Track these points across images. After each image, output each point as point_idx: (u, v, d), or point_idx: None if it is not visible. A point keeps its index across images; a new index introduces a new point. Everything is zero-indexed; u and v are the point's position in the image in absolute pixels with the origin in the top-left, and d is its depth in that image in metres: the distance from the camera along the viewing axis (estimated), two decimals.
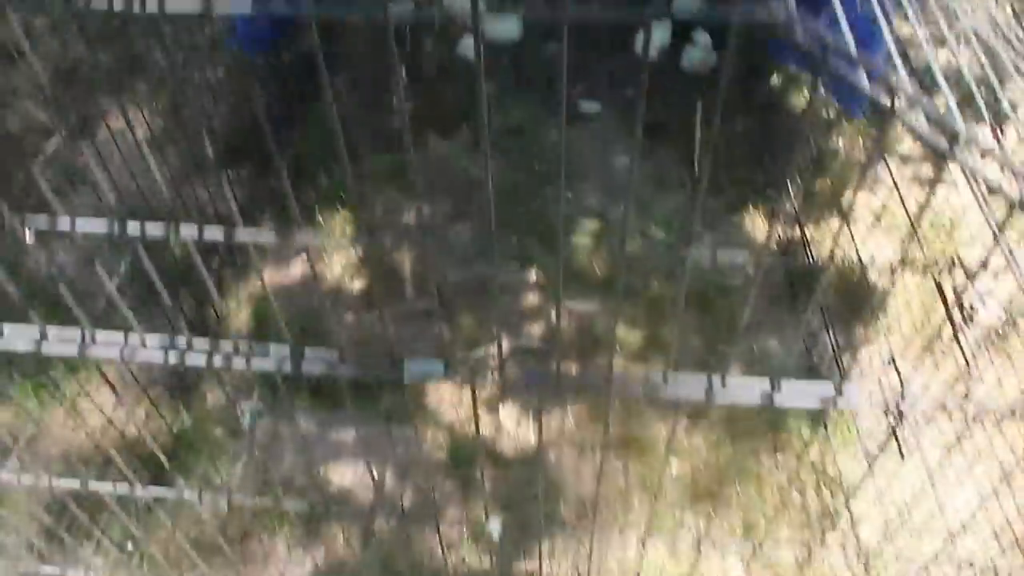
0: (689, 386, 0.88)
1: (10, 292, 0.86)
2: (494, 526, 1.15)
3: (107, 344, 0.92)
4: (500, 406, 2.49)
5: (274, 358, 0.90)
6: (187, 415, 2.42)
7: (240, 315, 2.69)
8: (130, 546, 2.05)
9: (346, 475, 2.33)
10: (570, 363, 2.57)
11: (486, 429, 2.43)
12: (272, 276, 2.81)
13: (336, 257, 2.84)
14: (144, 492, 1.24)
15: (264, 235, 0.72)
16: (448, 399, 2.50)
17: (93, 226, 0.76)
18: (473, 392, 0.88)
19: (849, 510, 2.26)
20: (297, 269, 2.79)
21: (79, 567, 1.57)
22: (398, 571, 2.15)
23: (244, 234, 0.72)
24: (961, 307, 1.67)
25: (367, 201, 3.01)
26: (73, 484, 1.24)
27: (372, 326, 2.66)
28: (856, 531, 2.23)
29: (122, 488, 1.23)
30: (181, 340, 0.91)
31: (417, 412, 2.47)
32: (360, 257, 2.82)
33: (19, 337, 0.92)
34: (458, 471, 2.35)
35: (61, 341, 0.92)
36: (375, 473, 2.30)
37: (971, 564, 2.03)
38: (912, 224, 2.11)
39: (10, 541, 1.52)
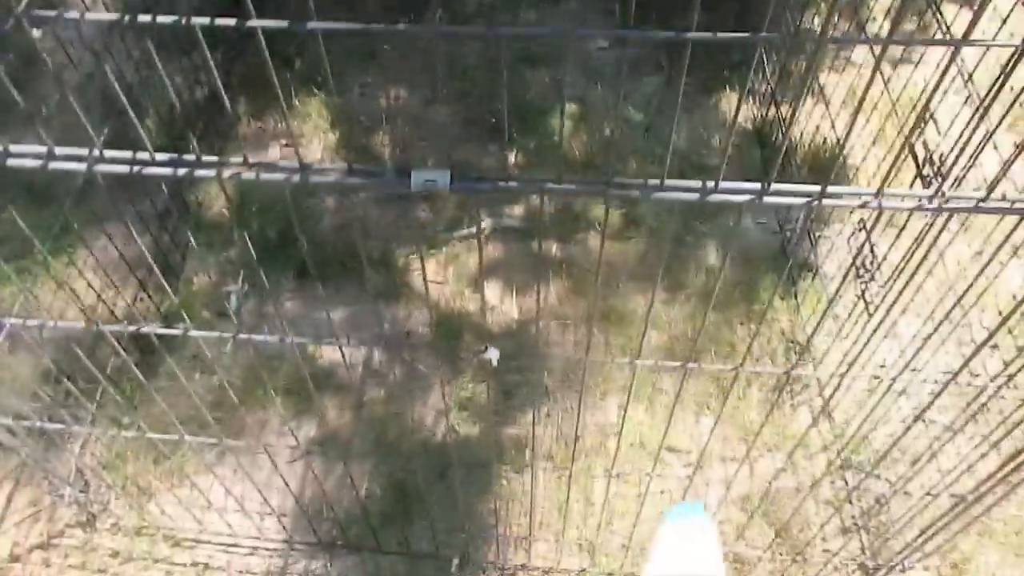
0: (685, 190, 0.92)
1: (17, 102, 0.86)
2: (492, 354, 1.21)
3: (115, 161, 0.93)
4: (484, 283, 2.55)
5: (285, 171, 0.92)
6: (174, 297, 2.44)
7: (221, 197, 2.68)
8: (127, 420, 2.10)
9: (334, 352, 2.39)
10: (551, 241, 2.62)
11: (470, 305, 2.49)
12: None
13: (316, 142, 2.82)
14: (151, 328, 1.28)
15: (272, 22, 0.73)
16: (432, 277, 2.54)
17: (101, 14, 0.76)
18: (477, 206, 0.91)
19: (815, 371, 2.38)
20: (275, 152, 2.77)
21: (84, 423, 1.62)
22: (389, 440, 2.24)
23: (254, 21, 0.73)
24: (931, 161, 1.73)
25: (344, 84, 2.97)
26: (78, 325, 1.27)
27: (351, 208, 2.68)
28: (822, 392, 2.36)
29: (129, 328, 1.26)
30: (189, 157, 0.92)
31: (403, 290, 2.51)
32: (338, 139, 2.80)
33: (26, 155, 0.92)
34: (445, 345, 2.42)
35: (68, 159, 0.93)
36: (363, 348, 2.36)
37: (930, 419, 2.17)
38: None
39: (14, 401, 1.56)
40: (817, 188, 0.91)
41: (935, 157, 1.74)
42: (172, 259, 2.48)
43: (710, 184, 0.92)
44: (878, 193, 0.91)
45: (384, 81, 3.00)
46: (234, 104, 2.88)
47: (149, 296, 2.33)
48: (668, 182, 0.93)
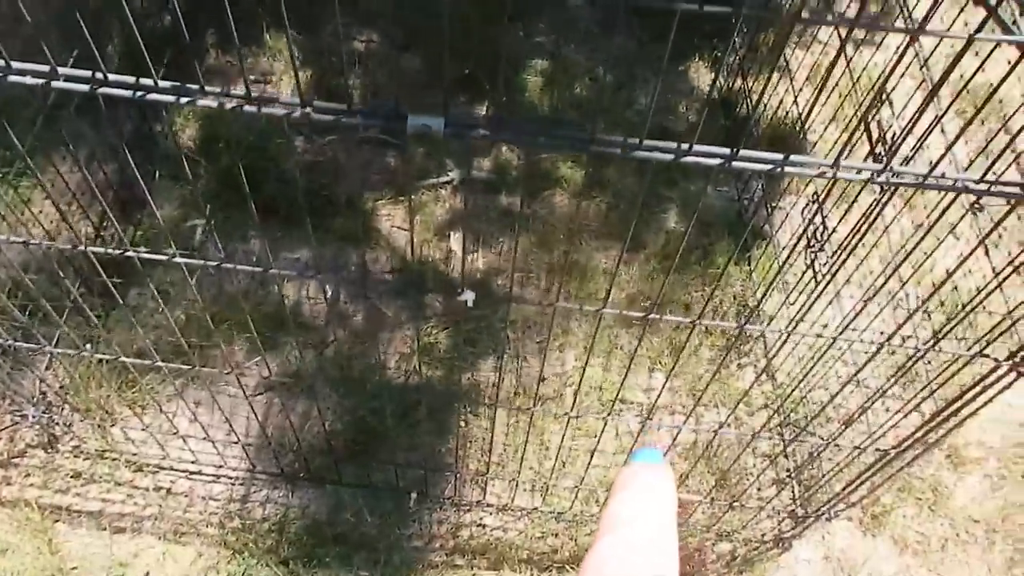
0: (661, 150, 0.99)
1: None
2: (468, 296, 1.28)
3: (119, 85, 0.96)
4: (450, 234, 2.59)
5: (286, 105, 0.96)
6: (139, 228, 2.44)
7: (187, 130, 2.66)
8: (90, 347, 2.12)
9: (300, 292, 2.42)
10: (517, 198, 2.67)
11: (436, 253, 2.54)
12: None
13: (285, 80, 2.81)
14: (136, 252, 1.31)
15: None
16: (400, 222, 2.58)
17: None
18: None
19: (763, 335, 2.51)
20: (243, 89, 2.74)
21: (51, 343, 1.64)
22: (353, 379, 2.29)
23: None
24: (883, 140, 1.83)
25: (316, 24, 2.94)
26: (65, 245, 1.30)
27: (321, 150, 2.68)
28: (768, 354, 2.50)
29: (111, 250, 1.29)
30: (192, 85, 0.95)
31: (368, 235, 2.55)
32: (309, 79, 2.79)
33: (28, 72, 0.94)
34: (408, 292, 2.48)
35: (72, 80, 0.95)
36: (328, 289, 2.40)
37: (862, 380, 2.32)
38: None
39: None
40: (780, 156, 0.99)
41: (888, 137, 1.84)
42: (137, 191, 2.46)
43: (684, 146, 0.99)
44: (834, 164, 1.00)
45: (357, 24, 2.98)
46: (202, 36, 2.83)
47: (115, 224, 2.32)
48: (647, 142, 1.00)
